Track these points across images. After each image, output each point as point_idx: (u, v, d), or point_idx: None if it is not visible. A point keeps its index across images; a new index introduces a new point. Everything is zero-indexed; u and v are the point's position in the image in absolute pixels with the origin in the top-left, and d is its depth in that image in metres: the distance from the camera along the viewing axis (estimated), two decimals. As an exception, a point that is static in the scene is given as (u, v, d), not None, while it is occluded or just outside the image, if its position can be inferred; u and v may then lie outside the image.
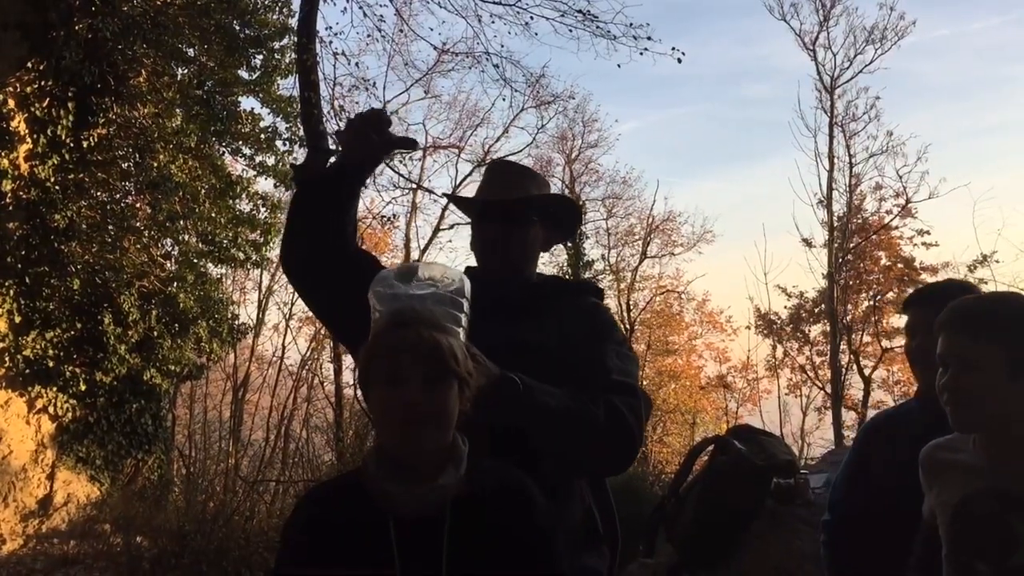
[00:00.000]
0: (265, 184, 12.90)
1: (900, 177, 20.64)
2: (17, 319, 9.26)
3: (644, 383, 24.73)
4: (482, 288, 2.13)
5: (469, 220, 2.34)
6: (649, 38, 10.19)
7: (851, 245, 21.60)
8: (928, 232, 21.62)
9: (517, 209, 2.12)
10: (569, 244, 23.08)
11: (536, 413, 1.77)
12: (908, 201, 20.91)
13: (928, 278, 21.48)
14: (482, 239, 2.16)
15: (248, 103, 11.79)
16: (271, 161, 11.71)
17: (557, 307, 2.09)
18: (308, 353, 22.67)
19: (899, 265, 22.25)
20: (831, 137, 21.07)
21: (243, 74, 11.39)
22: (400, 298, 1.63)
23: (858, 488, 2.53)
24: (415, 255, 22.64)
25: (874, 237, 22.33)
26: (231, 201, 11.33)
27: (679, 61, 10.13)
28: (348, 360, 16.51)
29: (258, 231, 11.62)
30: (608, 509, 2.09)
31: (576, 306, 2.13)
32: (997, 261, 18.26)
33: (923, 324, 2.23)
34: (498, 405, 1.68)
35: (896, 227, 22.20)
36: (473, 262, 2.25)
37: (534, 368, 1.87)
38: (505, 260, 2.14)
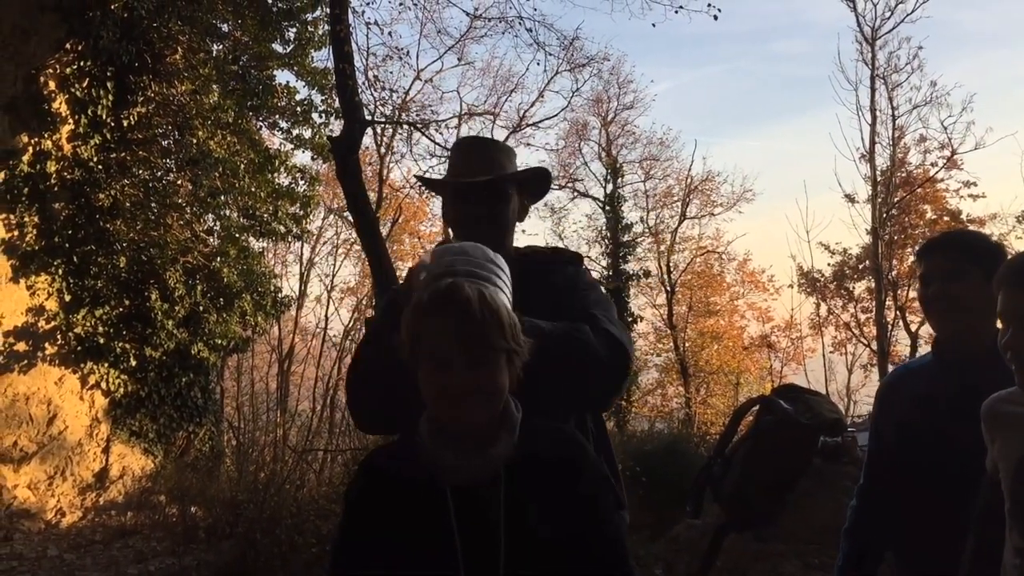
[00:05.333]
0: (303, 157, 13.02)
1: (945, 128, 20.02)
2: (67, 298, 9.47)
3: (686, 344, 24.67)
4: None
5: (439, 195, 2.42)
6: (684, -6, 9.91)
7: (895, 199, 21.10)
8: (975, 183, 21.10)
9: (497, 188, 2.19)
10: (607, 207, 22.95)
11: (534, 335, 1.72)
12: (954, 152, 20.32)
13: (976, 230, 21.04)
14: (463, 217, 2.22)
15: (283, 76, 11.80)
16: (308, 134, 11.77)
17: (541, 280, 2.11)
18: (351, 323, 22.91)
19: (945, 218, 21.73)
20: (873, 90, 20.49)
21: (277, 48, 11.41)
22: (444, 268, 1.61)
23: (875, 454, 2.53)
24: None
25: (919, 190, 21.78)
26: (270, 175, 11.42)
27: (715, 18, 9.82)
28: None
29: (297, 204, 11.72)
30: (611, 461, 2.14)
31: (558, 278, 2.17)
32: (1048, 211, 17.78)
33: (938, 272, 2.20)
34: None
35: (941, 179, 21.67)
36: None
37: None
38: (488, 237, 2.12)
